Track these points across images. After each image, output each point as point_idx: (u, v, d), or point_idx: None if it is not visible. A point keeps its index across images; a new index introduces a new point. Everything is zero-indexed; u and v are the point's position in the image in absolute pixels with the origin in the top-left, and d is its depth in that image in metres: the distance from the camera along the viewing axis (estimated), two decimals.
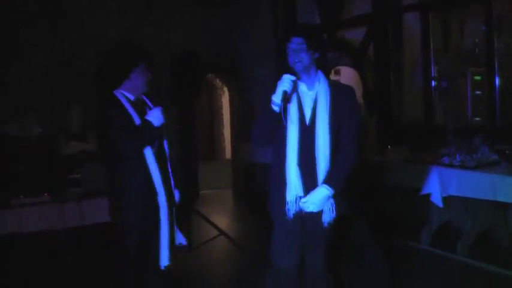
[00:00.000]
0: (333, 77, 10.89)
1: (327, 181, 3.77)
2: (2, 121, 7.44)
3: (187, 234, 6.66)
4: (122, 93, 4.14)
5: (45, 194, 5.28)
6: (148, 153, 4.07)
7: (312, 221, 3.86)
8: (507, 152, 6.10)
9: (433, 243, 6.77)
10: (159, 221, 4.14)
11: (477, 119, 9.24)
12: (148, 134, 4.04)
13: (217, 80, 15.43)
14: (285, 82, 3.64)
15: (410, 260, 6.33)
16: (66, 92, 8.90)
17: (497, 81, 7.17)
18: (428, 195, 6.26)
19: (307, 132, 3.78)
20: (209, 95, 16.72)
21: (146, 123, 4.03)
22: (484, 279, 5.71)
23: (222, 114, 16.77)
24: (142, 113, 4.12)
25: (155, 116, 4.07)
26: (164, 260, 4.18)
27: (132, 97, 4.17)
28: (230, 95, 12.29)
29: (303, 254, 4.02)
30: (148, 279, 4.31)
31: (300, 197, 3.78)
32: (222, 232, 6.91)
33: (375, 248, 5.05)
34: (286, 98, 3.65)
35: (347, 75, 9.98)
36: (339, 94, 3.85)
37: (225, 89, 15.11)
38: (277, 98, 3.64)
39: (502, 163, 5.98)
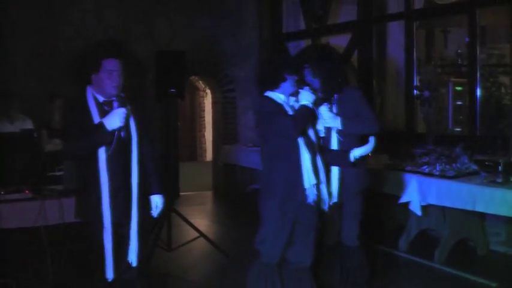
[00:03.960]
0: None
1: None
2: None
3: (167, 236, 6.69)
4: (93, 92, 4.09)
5: (26, 191, 5.25)
6: (101, 156, 4.00)
7: (310, 210, 4.42)
8: (486, 162, 6.16)
9: (411, 250, 6.82)
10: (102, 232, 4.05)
11: (458, 129, 9.33)
12: (97, 137, 3.96)
13: (200, 81, 15.43)
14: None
15: (387, 266, 6.37)
16: (50, 86, 8.84)
17: (478, 91, 7.24)
18: (407, 203, 6.31)
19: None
20: (191, 96, 16.69)
21: (98, 126, 3.95)
22: (460, 287, 5.77)
23: (204, 116, 16.76)
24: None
25: (111, 119, 3.96)
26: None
27: (101, 98, 4.10)
28: (213, 97, 12.28)
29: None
30: (127, 280, 4.28)
31: (314, 185, 4.34)
32: (201, 234, 6.91)
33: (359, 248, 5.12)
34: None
35: None
36: None
37: (208, 91, 15.10)
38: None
39: (481, 173, 6.02)
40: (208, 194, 11.32)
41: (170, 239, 6.69)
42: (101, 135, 3.94)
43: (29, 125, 7.23)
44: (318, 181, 4.38)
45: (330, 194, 4.63)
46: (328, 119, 4.78)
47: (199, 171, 13.60)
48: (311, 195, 4.35)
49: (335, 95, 4.92)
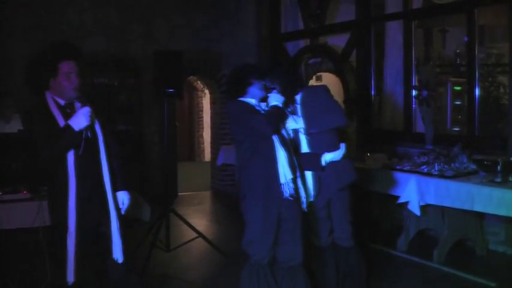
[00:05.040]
0: (314, 82, 10.95)
1: None
2: None
3: (165, 236, 6.67)
4: (53, 97, 4.02)
5: (24, 192, 5.24)
6: (70, 159, 3.94)
7: (292, 206, 4.53)
8: (485, 162, 6.15)
9: (410, 250, 6.82)
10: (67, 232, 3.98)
11: (456, 128, 9.33)
12: (66, 140, 3.91)
13: (198, 82, 15.41)
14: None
15: (386, 266, 6.36)
16: None
17: (477, 91, 7.22)
18: (406, 203, 6.30)
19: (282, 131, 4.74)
20: (189, 96, 16.68)
21: (65, 128, 3.89)
22: (459, 287, 5.77)
23: (202, 117, 16.73)
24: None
25: (77, 120, 3.91)
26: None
27: (62, 102, 4.04)
28: (211, 97, 12.27)
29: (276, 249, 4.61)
30: (115, 279, 4.24)
31: (291, 179, 4.49)
32: (200, 234, 6.89)
33: (354, 248, 5.12)
34: None
35: (328, 81, 10.03)
36: None
37: (206, 91, 15.08)
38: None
39: (479, 173, 6.02)
40: (207, 194, 11.31)
41: (169, 240, 6.67)
42: (69, 137, 3.89)
43: (17, 124, 7.20)
44: (294, 176, 4.54)
45: (307, 192, 4.75)
46: (291, 120, 4.86)
47: (198, 172, 13.60)
48: (287, 189, 4.46)
49: (299, 96, 5.02)
